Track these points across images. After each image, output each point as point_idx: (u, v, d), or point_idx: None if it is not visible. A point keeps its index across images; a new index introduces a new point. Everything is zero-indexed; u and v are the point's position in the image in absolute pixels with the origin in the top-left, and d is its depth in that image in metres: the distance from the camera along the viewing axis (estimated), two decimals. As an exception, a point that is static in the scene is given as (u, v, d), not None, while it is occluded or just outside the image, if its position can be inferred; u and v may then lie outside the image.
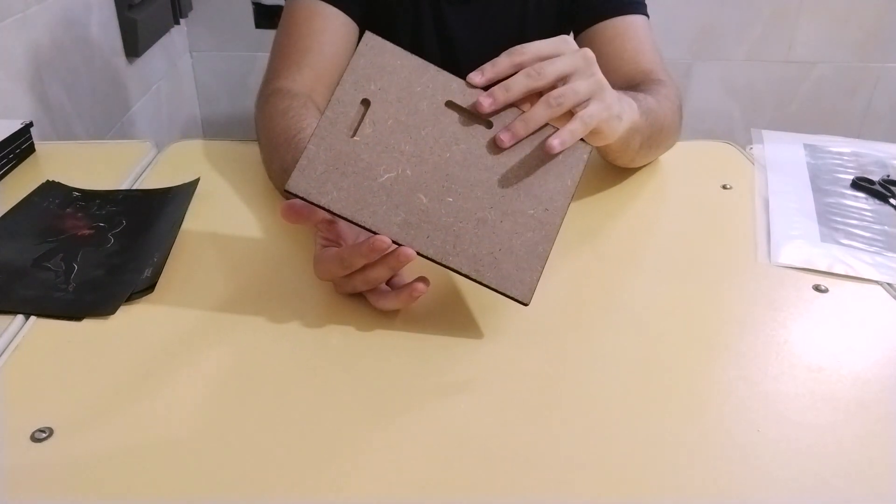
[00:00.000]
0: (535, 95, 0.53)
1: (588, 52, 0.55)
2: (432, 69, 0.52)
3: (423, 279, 0.52)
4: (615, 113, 0.57)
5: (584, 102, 0.53)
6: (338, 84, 0.50)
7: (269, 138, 0.71)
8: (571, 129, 0.52)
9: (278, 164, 0.68)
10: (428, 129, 0.51)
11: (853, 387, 0.49)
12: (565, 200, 0.52)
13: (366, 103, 0.50)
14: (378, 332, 0.53)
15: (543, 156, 0.52)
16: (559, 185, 0.52)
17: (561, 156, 0.52)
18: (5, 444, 0.42)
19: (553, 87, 0.53)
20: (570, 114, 0.53)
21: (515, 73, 0.52)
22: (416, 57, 0.51)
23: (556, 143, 0.51)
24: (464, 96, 0.51)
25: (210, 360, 0.50)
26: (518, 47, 0.53)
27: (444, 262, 0.50)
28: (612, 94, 0.57)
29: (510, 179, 0.52)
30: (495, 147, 0.51)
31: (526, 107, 0.52)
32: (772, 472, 0.42)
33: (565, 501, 0.40)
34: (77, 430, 0.44)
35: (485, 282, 0.51)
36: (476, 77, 0.52)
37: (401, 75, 0.51)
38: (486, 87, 0.52)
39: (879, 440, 0.45)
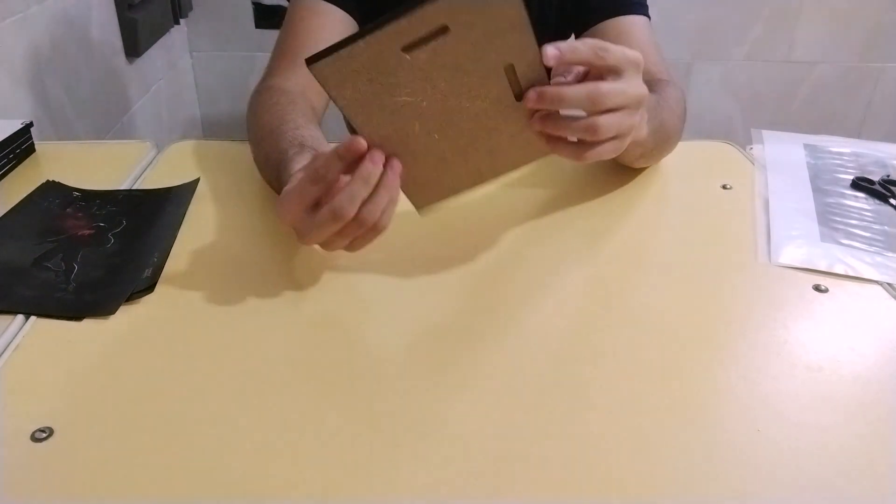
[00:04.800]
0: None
1: (645, 94, 0.56)
2: (527, 28, 0.47)
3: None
4: (627, 143, 0.58)
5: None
6: None
7: (254, 132, 0.73)
8: (610, 148, 0.55)
9: (263, 155, 0.69)
10: (472, 80, 0.50)
11: (853, 387, 0.49)
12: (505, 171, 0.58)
13: (443, 30, 0.46)
14: (379, 333, 0.53)
15: (531, 139, 0.54)
16: (511, 159, 0.57)
17: (532, 146, 0.55)
18: (5, 444, 0.42)
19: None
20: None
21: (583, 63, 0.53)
22: (523, 7, 0.47)
23: (595, 154, 0.54)
24: (526, 68, 0.50)
25: (210, 359, 0.50)
26: (604, 47, 0.52)
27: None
28: (638, 129, 0.58)
29: (490, 143, 0.54)
30: (504, 116, 0.52)
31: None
32: (772, 472, 0.42)
33: (565, 501, 0.40)
34: (77, 430, 0.44)
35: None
36: (551, 51, 0.49)
37: (493, 22, 0.47)
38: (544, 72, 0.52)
39: (879, 440, 0.45)
